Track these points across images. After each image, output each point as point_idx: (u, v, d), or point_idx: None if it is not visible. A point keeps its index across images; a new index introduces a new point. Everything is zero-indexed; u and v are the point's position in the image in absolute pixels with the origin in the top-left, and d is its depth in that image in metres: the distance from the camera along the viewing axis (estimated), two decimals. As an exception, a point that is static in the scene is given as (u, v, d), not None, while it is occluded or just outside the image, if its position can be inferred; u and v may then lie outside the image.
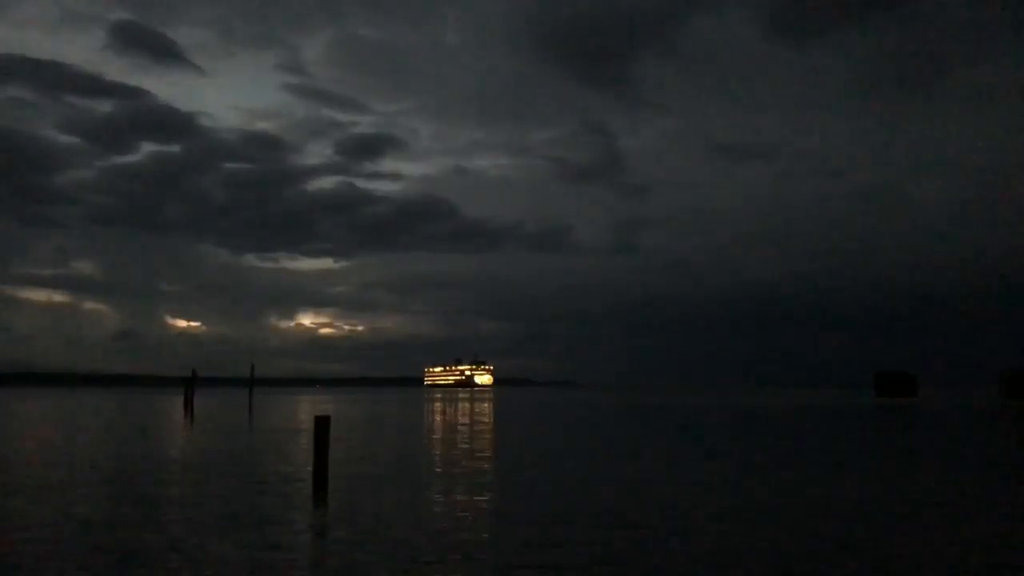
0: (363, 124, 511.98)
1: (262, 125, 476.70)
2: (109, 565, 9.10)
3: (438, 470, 18.81)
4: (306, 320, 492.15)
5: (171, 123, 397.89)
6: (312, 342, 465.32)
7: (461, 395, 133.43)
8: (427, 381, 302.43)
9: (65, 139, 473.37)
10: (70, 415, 50.59)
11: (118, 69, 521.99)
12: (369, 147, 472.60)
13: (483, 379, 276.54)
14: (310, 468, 16.44)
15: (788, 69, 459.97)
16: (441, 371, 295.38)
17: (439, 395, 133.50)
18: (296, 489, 15.16)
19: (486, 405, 73.07)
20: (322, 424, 15.85)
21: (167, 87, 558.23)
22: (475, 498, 14.30)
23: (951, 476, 17.77)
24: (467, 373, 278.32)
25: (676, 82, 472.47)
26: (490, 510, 13.03)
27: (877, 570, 9.00)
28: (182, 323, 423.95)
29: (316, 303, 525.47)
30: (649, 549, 9.98)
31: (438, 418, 47.30)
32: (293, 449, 24.16)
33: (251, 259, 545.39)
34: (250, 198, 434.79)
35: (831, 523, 11.75)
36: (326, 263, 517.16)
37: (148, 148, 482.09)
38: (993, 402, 77.03)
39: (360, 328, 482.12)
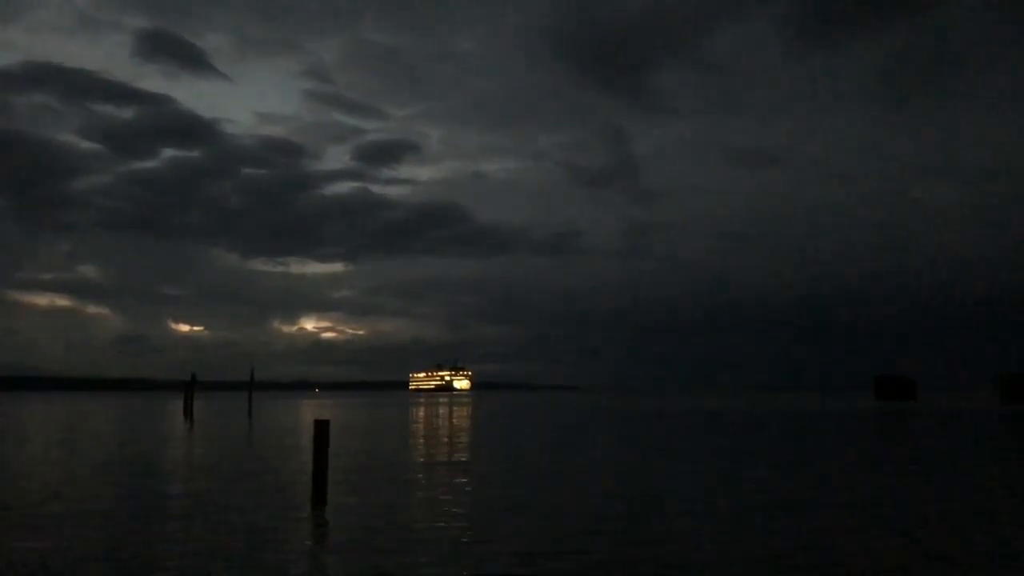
0: (381, 130, 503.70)
1: (282, 131, 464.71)
2: (111, 570, 8.95)
3: (427, 471, 18.75)
4: (309, 324, 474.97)
5: (192, 129, 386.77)
6: (314, 346, 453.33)
7: (441, 399, 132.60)
8: (411, 386, 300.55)
9: (86, 145, 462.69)
10: (72, 420, 49.71)
11: (145, 76, 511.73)
12: (386, 153, 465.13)
13: (461, 384, 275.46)
14: (308, 471, 16.29)
15: (803, 76, 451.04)
16: (424, 376, 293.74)
17: (422, 399, 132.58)
18: (296, 491, 14.96)
19: (464, 410, 72.75)
20: (321, 428, 15.73)
21: (192, 94, 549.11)
22: (464, 498, 14.32)
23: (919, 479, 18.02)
24: (447, 378, 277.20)
25: (691, 88, 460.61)
26: (478, 509, 13.03)
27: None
28: (185, 327, 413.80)
29: (321, 307, 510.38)
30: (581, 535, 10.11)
31: (421, 423, 47.12)
32: (290, 452, 23.95)
33: (259, 263, 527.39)
34: (265, 203, 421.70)
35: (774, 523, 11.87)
36: (335, 268, 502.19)
37: (168, 154, 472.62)
38: (992, 406, 74.08)
39: (362, 332, 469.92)
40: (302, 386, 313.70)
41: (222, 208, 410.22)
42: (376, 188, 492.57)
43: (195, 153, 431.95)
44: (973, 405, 78.41)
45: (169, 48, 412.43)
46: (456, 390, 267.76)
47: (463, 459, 22.19)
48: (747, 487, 15.85)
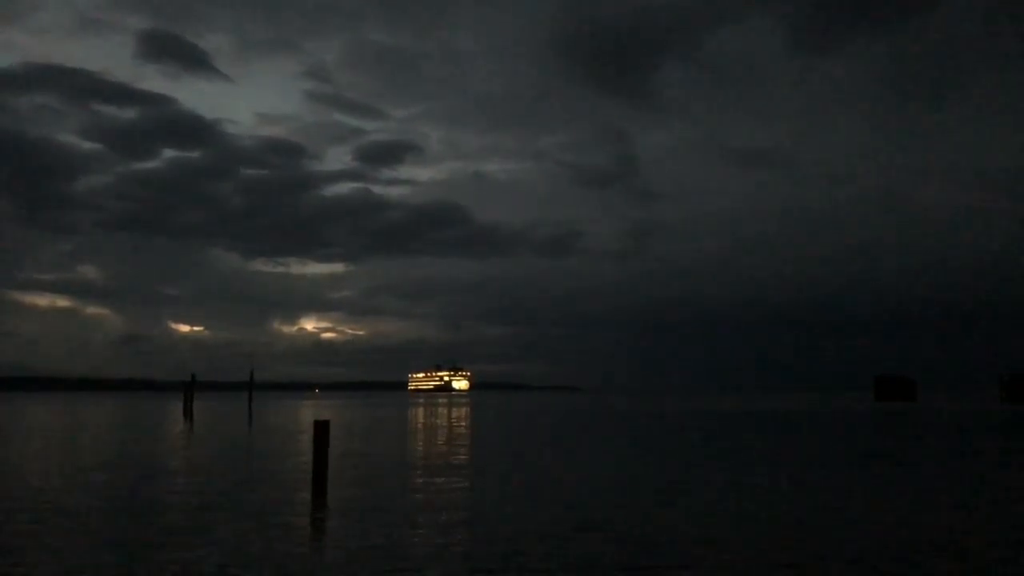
0: (381, 130, 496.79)
1: (282, 131, 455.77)
2: (109, 571, 8.83)
3: (426, 471, 18.65)
4: (309, 325, 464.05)
5: (193, 129, 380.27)
6: (314, 347, 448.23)
7: (440, 400, 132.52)
8: (411, 386, 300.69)
9: (88, 145, 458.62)
10: (71, 420, 49.58)
11: (146, 76, 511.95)
12: (387, 153, 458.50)
13: (460, 384, 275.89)
14: (308, 471, 16.15)
15: (805, 78, 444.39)
16: (423, 377, 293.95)
17: (421, 400, 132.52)
18: (295, 491, 14.85)
19: (462, 411, 72.70)
20: (321, 428, 15.65)
21: (193, 94, 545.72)
22: (463, 498, 14.23)
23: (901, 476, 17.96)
24: (446, 379, 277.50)
25: (691, 88, 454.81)
26: (477, 509, 12.93)
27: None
28: (185, 327, 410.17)
29: (321, 308, 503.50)
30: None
31: (420, 424, 47.02)
32: (290, 453, 23.84)
33: (260, 264, 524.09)
34: (265, 203, 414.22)
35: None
36: (336, 268, 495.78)
37: (169, 154, 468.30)
38: (992, 406, 73.26)
39: (362, 333, 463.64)
40: (302, 386, 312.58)
41: (222, 208, 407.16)
42: (377, 189, 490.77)
43: (196, 153, 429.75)
44: (973, 405, 78.39)
45: (170, 49, 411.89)
46: (455, 390, 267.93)
47: (462, 459, 22.09)
48: (746, 487, 15.76)
